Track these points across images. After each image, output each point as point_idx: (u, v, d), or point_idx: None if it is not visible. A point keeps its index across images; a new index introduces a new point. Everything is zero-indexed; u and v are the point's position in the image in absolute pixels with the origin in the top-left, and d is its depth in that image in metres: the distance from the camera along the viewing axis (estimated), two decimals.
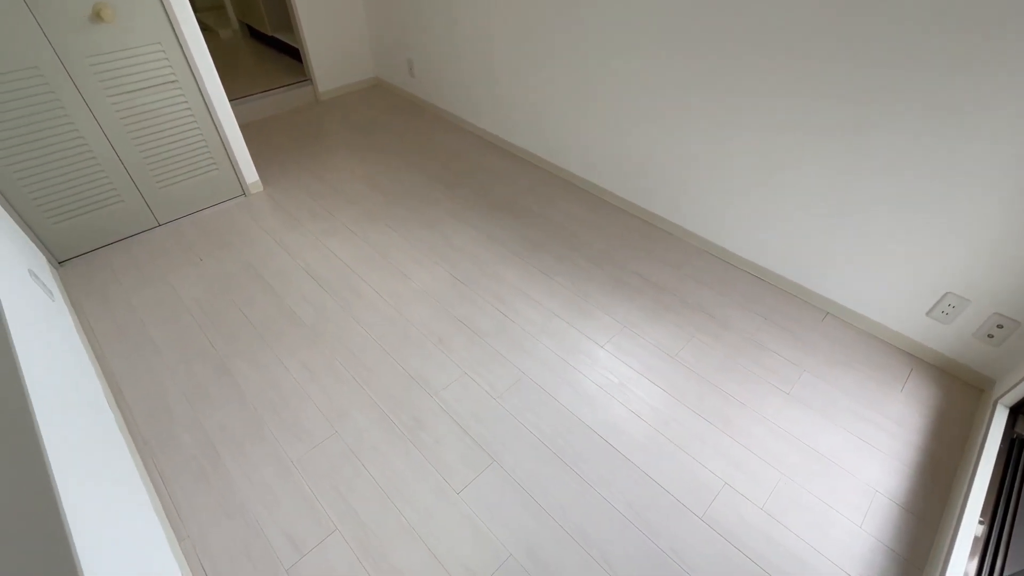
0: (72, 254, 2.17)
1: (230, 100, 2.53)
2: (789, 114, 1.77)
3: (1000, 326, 1.62)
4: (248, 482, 1.46)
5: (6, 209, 1.92)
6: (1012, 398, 1.55)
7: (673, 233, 2.38)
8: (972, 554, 1.24)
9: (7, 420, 0.90)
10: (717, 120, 1.98)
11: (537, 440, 1.57)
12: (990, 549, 1.24)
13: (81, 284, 2.07)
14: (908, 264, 1.73)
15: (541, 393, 1.70)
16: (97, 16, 1.82)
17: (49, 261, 2.10)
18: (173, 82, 2.09)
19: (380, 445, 1.55)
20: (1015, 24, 1.25)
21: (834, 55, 1.58)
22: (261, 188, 2.62)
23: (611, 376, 1.76)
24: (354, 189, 2.64)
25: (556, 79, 2.47)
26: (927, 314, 1.77)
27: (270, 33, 3.75)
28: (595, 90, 2.34)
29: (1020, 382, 1.52)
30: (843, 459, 1.54)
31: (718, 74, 1.89)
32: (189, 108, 2.18)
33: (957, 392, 1.74)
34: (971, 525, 1.29)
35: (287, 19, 3.62)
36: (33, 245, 2.03)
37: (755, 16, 1.69)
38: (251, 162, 2.52)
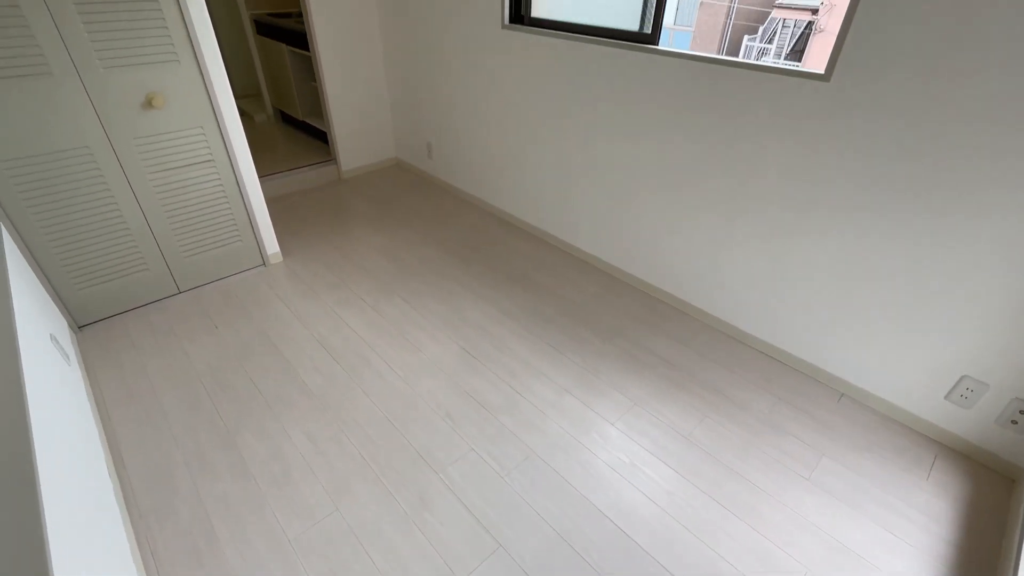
0: (92, 319, 2.23)
1: (259, 177, 2.70)
2: (796, 194, 1.85)
3: (1023, 411, 1.58)
4: (242, 561, 1.39)
5: (36, 274, 2.00)
6: None
7: (681, 309, 2.41)
8: None
9: (14, 492, 0.89)
10: (725, 200, 2.07)
11: (546, 524, 1.50)
12: None
13: (98, 349, 2.10)
14: (921, 345, 1.72)
15: (551, 473, 1.65)
16: (149, 103, 2.01)
17: (70, 325, 2.15)
18: (209, 161, 2.25)
19: (382, 525, 1.49)
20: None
21: (847, 146, 1.68)
22: (281, 259, 2.71)
23: (623, 456, 1.71)
24: (371, 261, 2.73)
25: (567, 161, 2.62)
26: (945, 397, 1.73)
27: (301, 118, 4.06)
28: (604, 172, 2.47)
29: None
30: (870, 553, 1.45)
31: (725, 157, 2.00)
32: (221, 184, 2.33)
33: (986, 481, 1.66)
34: None
35: (318, 106, 3.93)
36: (56, 309, 2.09)
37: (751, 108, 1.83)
38: (273, 234, 2.64)
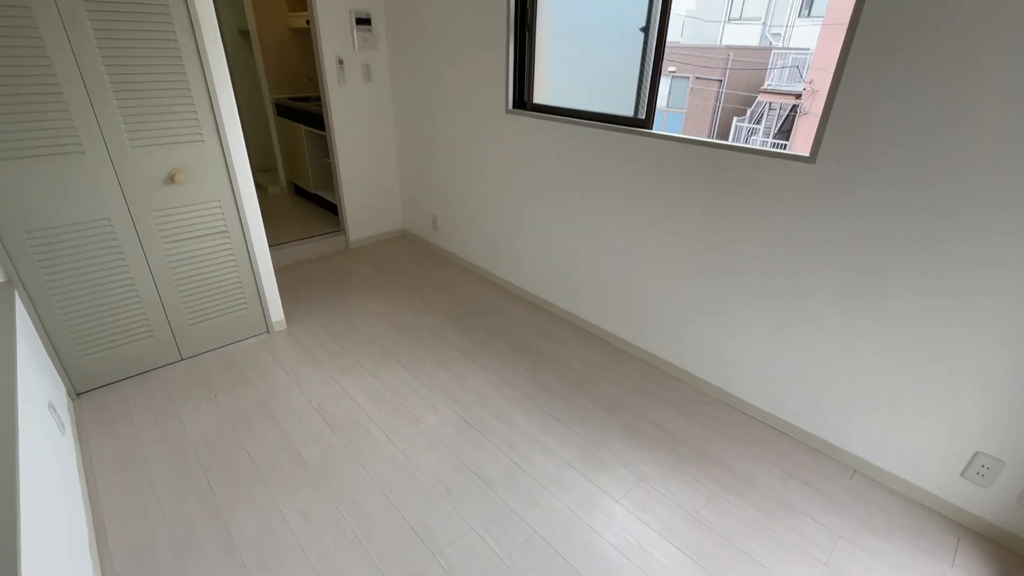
0: (92, 386, 2.21)
1: (270, 246, 2.78)
2: (793, 269, 1.90)
3: None
4: None
5: (43, 340, 2.01)
6: None
7: (686, 381, 2.39)
8: None
9: None
10: (723, 272, 2.11)
11: None
12: None
13: (94, 418, 2.07)
14: (931, 420, 1.69)
15: (553, 556, 1.56)
16: (171, 179, 2.12)
17: (68, 392, 2.14)
18: (223, 232, 2.34)
19: None
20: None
21: (853, 217, 1.75)
22: (285, 326, 2.74)
23: (629, 537, 1.63)
24: (373, 328, 2.75)
25: (568, 234, 2.71)
26: (961, 475, 1.67)
27: (312, 191, 4.25)
28: (604, 244, 2.55)
29: None
30: None
31: (720, 234, 2.07)
32: (233, 254, 2.40)
33: (1017, 569, 1.57)
34: None
35: (329, 180, 4.13)
36: (57, 376, 2.08)
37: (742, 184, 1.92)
38: (279, 302, 2.68)
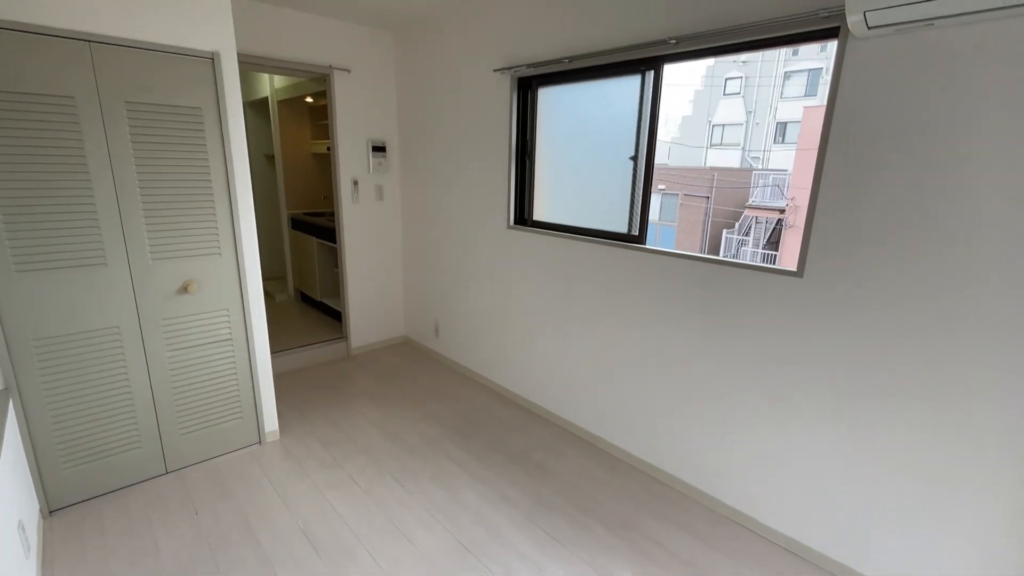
0: (67, 503, 2.09)
1: (271, 353, 2.79)
2: (785, 382, 1.90)
3: None
4: None
5: (26, 451, 1.95)
6: None
7: (691, 495, 2.26)
8: None
9: None
10: (721, 383, 2.10)
11: None
12: None
13: (64, 538, 1.93)
14: (958, 539, 1.57)
15: None
16: (184, 289, 2.20)
17: (41, 509, 2.02)
18: (228, 340, 2.37)
19: None
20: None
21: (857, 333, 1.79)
22: (277, 436, 2.65)
23: None
24: (367, 437, 2.66)
25: (566, 344, 2.74)
26: None
27: (319, 298, 4.37)
28: (601, 354, 2.56)
29: None
30: None
31: (715, 344, 2.10)
32: (234, 363, 2.41)
33: None
34: None
35: (336, 288, 4.27)
36: (33, 491, 1.98)
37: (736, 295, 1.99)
38: (275, 412, 2.63)
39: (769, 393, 1.95)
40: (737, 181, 13.16)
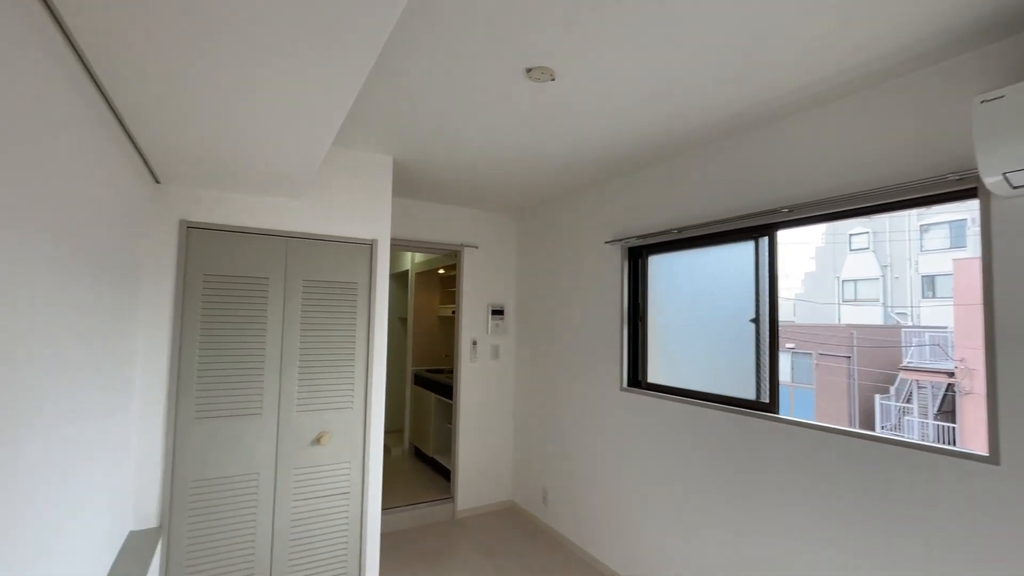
0: None
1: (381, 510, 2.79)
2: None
3: None
4: None
5: None
6: None
7: None
8: None
9: None
10: None
11: None
12: None
13: None
14: None
15: None
16: (318, 440, 2.39)
17: None
18: (346, 493, 2.44)
19: None
20: None
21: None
22: None
23: None
24: None
25: (684, 521, 2.38)
26: None
27: (430, 454, 4.42)
28: (729, 536, 2.16)
29: None
30: None
31: (874, 539, 1.68)
32: (347, 517, 2.44)
33: None
34: None
35: (448, 445, 4.31)
36: None
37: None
38: (377, 573, 2.52)
39: None
40: (882, 339, 11.69)
